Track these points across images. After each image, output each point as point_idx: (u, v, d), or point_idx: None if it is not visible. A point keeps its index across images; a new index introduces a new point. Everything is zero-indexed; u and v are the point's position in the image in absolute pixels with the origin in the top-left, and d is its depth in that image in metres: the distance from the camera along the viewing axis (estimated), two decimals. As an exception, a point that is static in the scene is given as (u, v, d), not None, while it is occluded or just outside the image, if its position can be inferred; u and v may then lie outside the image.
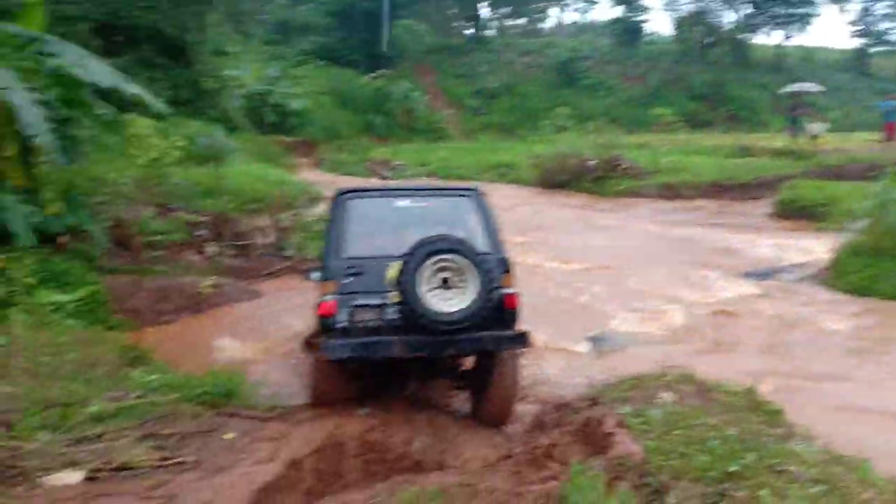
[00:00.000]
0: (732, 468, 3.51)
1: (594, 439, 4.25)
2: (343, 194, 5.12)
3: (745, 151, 21.74)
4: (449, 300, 4.65)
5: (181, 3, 17.84)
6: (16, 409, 4.34)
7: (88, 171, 8.77)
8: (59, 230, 7.24)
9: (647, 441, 3.91)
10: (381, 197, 5.40)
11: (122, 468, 3.97)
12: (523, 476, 4.10)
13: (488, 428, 5.23)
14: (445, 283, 4.67)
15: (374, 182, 21.34)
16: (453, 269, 4.66)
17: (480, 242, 4.98)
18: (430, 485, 3.85)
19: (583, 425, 4.48)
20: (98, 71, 6.96)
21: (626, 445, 3.88)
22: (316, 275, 5.09)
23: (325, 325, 4.82)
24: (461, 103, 39.48)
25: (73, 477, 3.80)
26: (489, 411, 5.25)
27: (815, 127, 22.49)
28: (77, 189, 7.90)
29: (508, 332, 4.89)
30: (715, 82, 40.46)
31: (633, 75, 43.03)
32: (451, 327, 4.60)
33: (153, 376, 5.25)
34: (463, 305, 4.61)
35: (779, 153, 20.80)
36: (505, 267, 4.98)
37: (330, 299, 4.79)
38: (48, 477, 3.78)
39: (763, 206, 15.74)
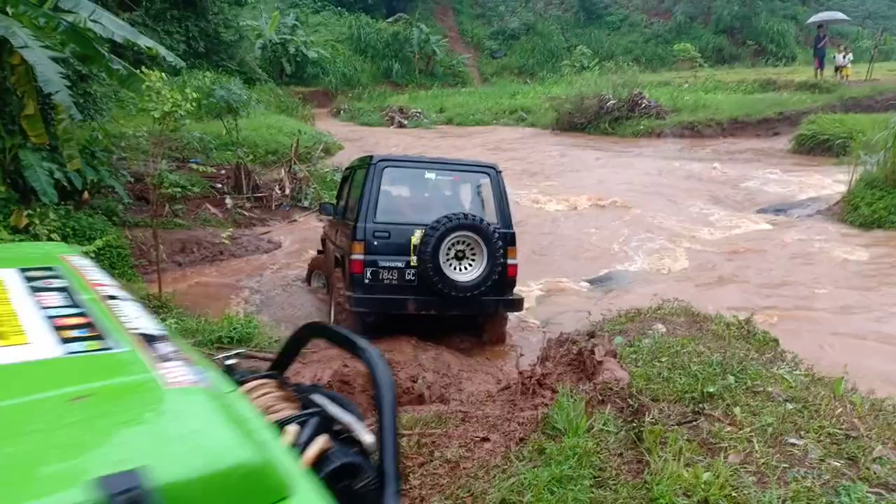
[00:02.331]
0: (711, 389, 3.70)
1: (586, 368, 4.46)
2: (379, 161, 5.61)
3: (769, 86, 21.26)
4: (462, 270, 5.52)
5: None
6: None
7: (107, 127, 8.99)
8: (80, 186, 7.50)
9: (633, 368, 4.12)
10: (412, 167, 5.95)
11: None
12: (516, 404, 4.33)
13: (489, 365, 5.55)
14: (461, 255, 5.51)
15: (392, 131, 21.36)
16: (469, 244, 5.49)
17: (493, 217, 5.72)
18: (428, 412, 4.11)
19: (576, 355, 4.69)
20: (113, 25, 7.08)
21: (613, 372, 4.08)
22: (327, 212, 6.53)
23: (353, 281, 5.48)
24: (480, 46, 38.87)
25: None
26: (490, 339, 6.12)
27: (840, 58, 21.83)
28: (96, 145, 8.12)
29: (507, 297, 5.82)
30: (742, 14, 39.12)
31: (658, 10, 41.78)
32: (462, 293, 5.44)
33: (171, 321, 5.54)
34: (474, 275, 5.50)
35: (803, 87, 20.31)
36: (511, 241, 5.75)
37: (358, 258, 5.45)
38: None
39: (783, 142, 15.52)
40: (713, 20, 39.40)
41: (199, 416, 1.01)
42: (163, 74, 6.51)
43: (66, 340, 1.17)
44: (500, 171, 5.86)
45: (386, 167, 5.60)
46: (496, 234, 5.48)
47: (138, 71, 6.88)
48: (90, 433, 0.94)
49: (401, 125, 22.33)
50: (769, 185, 11.85)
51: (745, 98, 19.66)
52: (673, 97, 19.69)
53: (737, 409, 3.51)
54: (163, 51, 7.60)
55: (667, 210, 10.39)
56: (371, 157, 5.67)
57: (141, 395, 1.04)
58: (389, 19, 34.46)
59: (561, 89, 22.21)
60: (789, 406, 3.59)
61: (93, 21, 6.91)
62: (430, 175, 5.92)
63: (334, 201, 7.04)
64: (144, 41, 7.31)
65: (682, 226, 9.56)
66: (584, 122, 19.06)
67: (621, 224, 9.70)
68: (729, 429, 3.37)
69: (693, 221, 9.76)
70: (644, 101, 19.01)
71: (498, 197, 5.78)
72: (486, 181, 5.86)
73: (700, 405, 3.62)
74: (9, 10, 6.52)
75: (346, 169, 7.07)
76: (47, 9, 6.75)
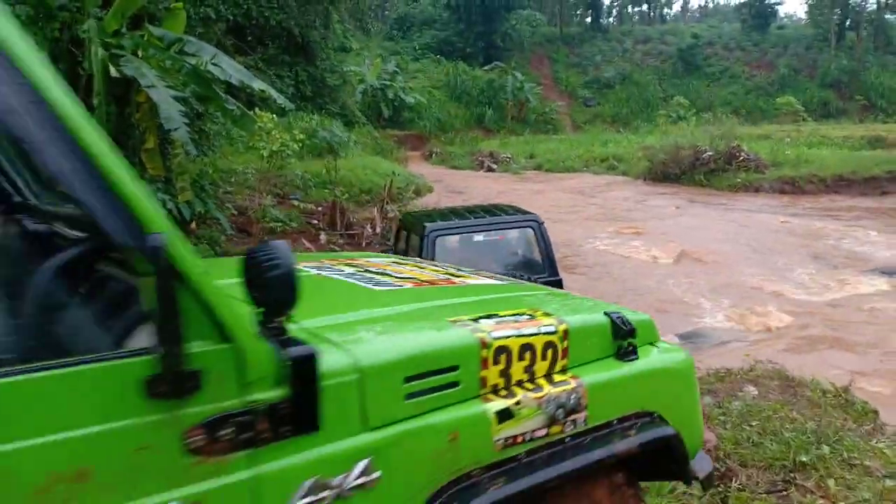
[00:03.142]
0: (803, 458, 3.56)
1: (670, 426, 4.37)
2: (431, 232, 5.79)
3: (878, 143, 20.32)
4: None
5: (308, 1, 18.80)
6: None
7: (217, 163, 9.57)
8: (188, 217, 8.01)
9: (722, 430, 4.00)
10: (461, 232, 6.11)
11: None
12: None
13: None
14: None
15: (480, 175, 21.67)
16: None
17: (539, 266, 5.84)
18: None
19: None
20: (229, 68, 7.62)
21: (700, 433, 3.99)
22: None
23: None
24: (574, 94, 39.06)
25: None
26: None
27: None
28: (206, 178, 8.66)
29: None
30: (850, 68, 37.71)
31: (761, 62, 40.86)
32: None
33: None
34: None
35: (916, 144, 19.31)
36: (558, 286, 5.67)
37: None
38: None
39: (892, 202, 14.73)
40: (819, 73, 38.15)
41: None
42: (273, 116, 6.90)
43: None
44: (542, 223, 6.02)
45: (437, 237, 5.80)
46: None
47: (251, 112, 7.31)
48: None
49: (490, 169, 22.64)
50: (875, 247, 11.26)
51: (852, 154, 18.83)
52: (773, 151, 19.10)
53: (830, 482, 3.36)
54: (274, 93, 8.08)
55: (762, 266, 10.05)
56: (424, 226, 5.83)
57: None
58: (486, 67, 35.25)
59: (655, 139, 21.97)
60: (889, 482, 3.41)
61: (213, 64, 7.45)
62: (479, 237, 6.15)
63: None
64: (258, 84, 7.81)
65: (779, 284, 9.21)
66: (678, 172, 18.72)
67: (711, 277, 9.44)
68: (821, 502, 3.22)
69: (791, 280, 9.39)
70: (742, 153, 18.52)
71: (542, 246, 5.94)
72: (530, 233, 6.06)
73: (791, 474, 3.49)
74: (139, 52, 7.13)
75: (400, 222, 7.24)
76: (174, 52, 7.34)
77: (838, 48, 40.40)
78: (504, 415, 1.48)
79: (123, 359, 1.07)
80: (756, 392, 4.77)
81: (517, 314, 1.73)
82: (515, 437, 1.50)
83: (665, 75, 39.92)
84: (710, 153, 18.57)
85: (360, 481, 1.24)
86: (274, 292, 1.13)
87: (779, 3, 48.08)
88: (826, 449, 3.67)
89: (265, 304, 1.15)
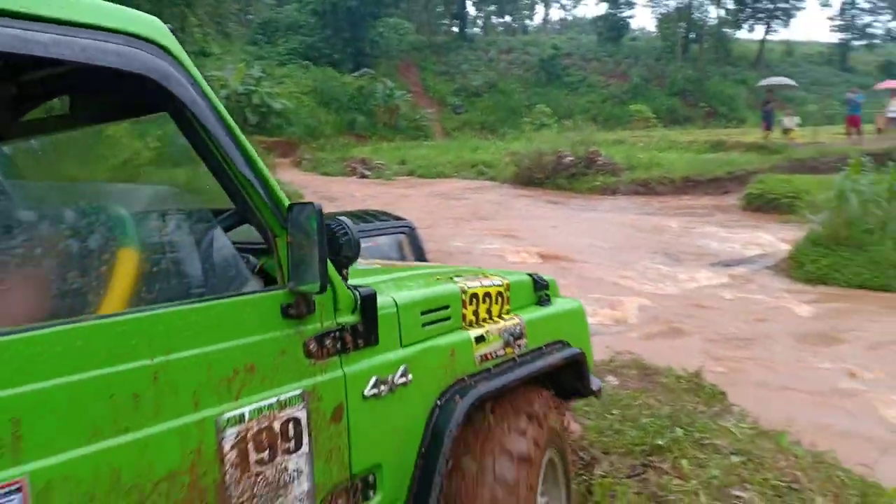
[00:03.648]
0: (660, 442, 3.77)
1: (538, 420, 4.49)
2: None
3: (720, 147, 22.07)
4: None
5: (162, 3, 17.87)
6: None
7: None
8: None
9: (586, 421, 4.16)
10: None
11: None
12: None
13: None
14: None
15: (353, 181, 21.53)
16: None
17: None
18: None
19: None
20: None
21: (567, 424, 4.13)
22: None
23: None
24: (443, 101, 39.68)
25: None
26: None
27: (787, 121, 22.89)
28: None
29: None
30: (695, 78, 40.89)
31: (615, 72, 43.38)
32: None
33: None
34: None
35: (752, 147, 21.15)
36: None
37: None
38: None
39: (733, 200, 16.07)
40: (667, 83, 41.08)
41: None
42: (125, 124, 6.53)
43: None
44: (415, 228, 6.10)
45: None
46: None
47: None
48: None
49: (363, 176, 22.50)
50: (719, 242, 12.22)
51: (697, 157, 20.35)
52: (628, 155, 20.29)
53: (684, 462, 3.57)
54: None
55: (619, 263, 10.62)
56: None
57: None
58: (355, 74, 35.05)
59: (521, 145, 22.70)
60: (735, 458, 3.67)
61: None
62: None
63: None
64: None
65: (634, 279, 9.76)
66: (543, 177, 19.45)
67: (571, 276, 9.85)
68: (677, 481, 3.42)
69: (645, 275, 9.97)
70: (600, 158, 19.53)
71: (416, 252, 5.99)
72: (403, 239, 6.11)
73: (649, 458, 3.67)
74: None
75: None
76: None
77: (684, 59, 43.74)
78: (479, 339, 2.17)
79: (272, 291, 1.58)
80: (616, 382, 5.01)
81: (474, 276, 2.43)
82: (487, 354, 2.19)
83: (528, 84, 41.44)
84: (571, 158, 19.43)
85: (401, 380, 1.84)
86: (345, 250, 1.67)
87: (631, 17, 51.33)
88: (680, 431, 3.90)
89: (339, 258, 1.67)
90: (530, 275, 2.59)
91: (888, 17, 51.04)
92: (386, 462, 1.79)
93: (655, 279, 9.76)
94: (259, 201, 1.57)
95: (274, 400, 1.50)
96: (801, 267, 9.72)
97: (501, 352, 2.24)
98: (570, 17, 68.64)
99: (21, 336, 1.11)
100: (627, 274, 9.98)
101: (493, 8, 57.56)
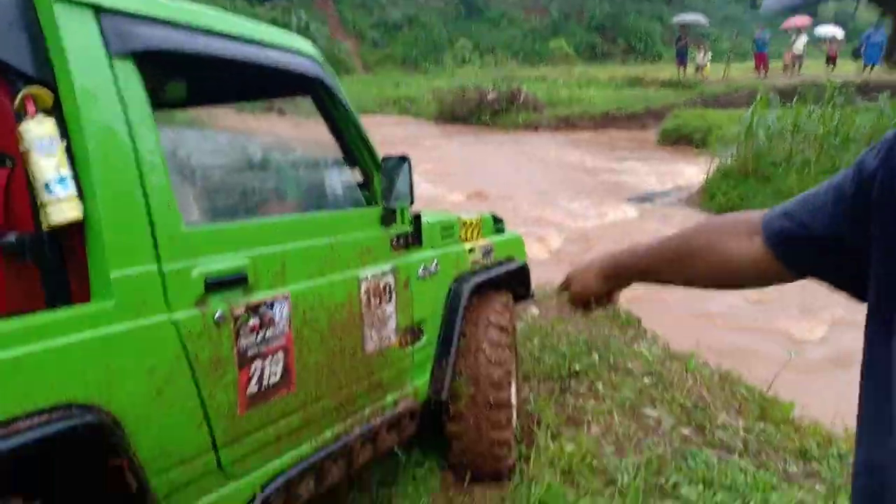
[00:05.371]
0: (577, 367, 3.91)
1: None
2: None
3: (637, 83, 22.47)
4: None
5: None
6: None
7: None
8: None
9: (508, 350, 4.26)
10: None
11: None
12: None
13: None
14: None
15: (273, 118, 20.83)
16: None
17: None
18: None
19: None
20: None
21: (487, 354, 4.22)
22: None
23: None
24: (362, 35, 38.51)
25: None
26: None
27: (700, 58, 23.42)
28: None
29: None
30: (613, 13, 41.04)
31: (535, 7, 42.99)
32: None
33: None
34: None
35: (667, 84, 21.61)
36: None
37: None
38: None
39: (650, 135, 16.46)
40: (586, 18, 41.02)
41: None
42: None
43: None
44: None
45: None
46: None
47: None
48: None
49: (281, 112, 21.80)
50: (637, 176, 12.55)
51: (616, 94, 20.68)
52: (549, 92, 20.40)
53: (599, 385, 3.72)
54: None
55: (538, 199, 10.77)
56: None
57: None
58: (267, 4, 33.46)
59: (444, 82, 22.45)
60: (646, 380, 3.85)
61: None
62: None
63: None
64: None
65: (553, 214, 9.94)
66: (466, 113, 19.37)
67: (498, 210, 9.91)
68: (592, 403, 3.57)
69: (564, 210, 10.18)
70: (522, 95, 19.57)
71: None
72: None
73: (567, 381, 3.81)
74: None
75: None
76: None
77: (603, -6, 43.65)
78: (470, 251, 2.98)
79: (375, 206, 2.42)
80: (537, 312, 5.13)
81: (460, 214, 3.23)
82: (475, 261, 3.01)
83: (449, 18, 40.63)
84: (494, 95, 19.39)
85: (435, 269, 2.69)
86: (400, 184, 2.41)
87: (550, -50, 50.55)
88: (596, 357, 4.06)
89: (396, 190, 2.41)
90: (491, 213, 3.44)
91: (797, -46, 52.25)
92: (428, 318, 2.70)
93: (576, 214, 9.98)
94: (367, 152, 2.48)
95: (379, 270, 2.35)
96: (713, 198, 10.13)
97: (482, 260, 3.09)
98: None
99: (276, 220, 2.13)
100: (549, 210, 10.16)
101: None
